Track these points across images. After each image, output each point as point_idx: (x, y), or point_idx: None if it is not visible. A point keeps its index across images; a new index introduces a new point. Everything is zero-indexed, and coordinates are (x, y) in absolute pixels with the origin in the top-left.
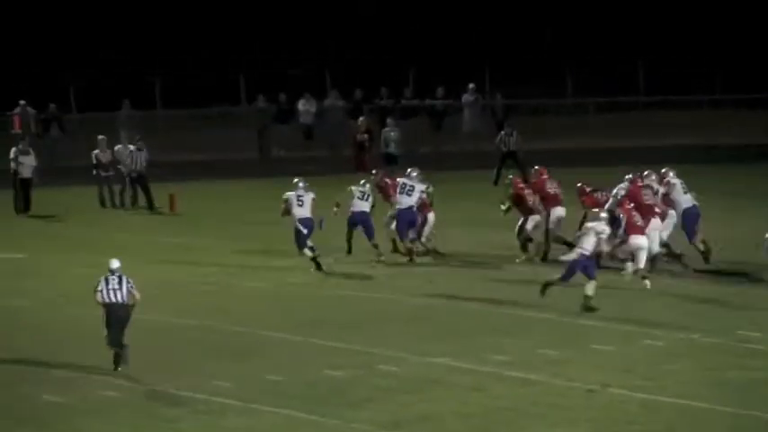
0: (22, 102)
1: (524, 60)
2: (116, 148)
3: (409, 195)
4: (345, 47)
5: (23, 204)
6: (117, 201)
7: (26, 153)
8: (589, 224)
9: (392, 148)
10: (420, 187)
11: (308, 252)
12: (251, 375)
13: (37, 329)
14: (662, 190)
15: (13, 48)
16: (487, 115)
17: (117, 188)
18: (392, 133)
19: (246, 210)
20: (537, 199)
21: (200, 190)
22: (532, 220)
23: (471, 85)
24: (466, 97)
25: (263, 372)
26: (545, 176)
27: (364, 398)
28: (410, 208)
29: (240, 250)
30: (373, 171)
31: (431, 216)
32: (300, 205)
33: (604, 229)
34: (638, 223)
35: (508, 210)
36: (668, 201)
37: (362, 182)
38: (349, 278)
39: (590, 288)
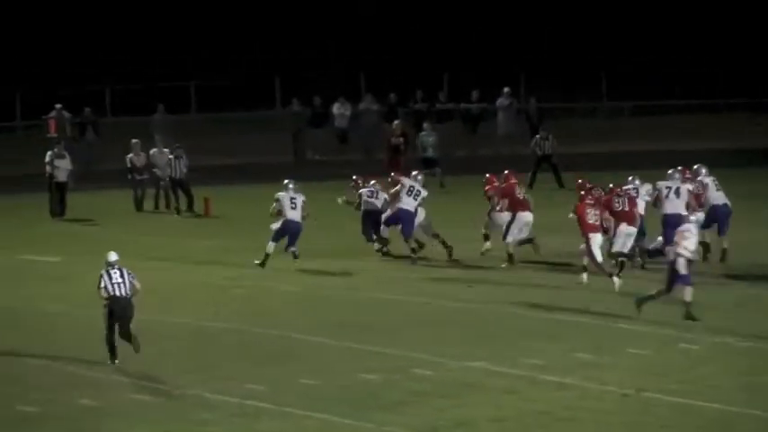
0: (57, 105)
1: (559, 64)
2: (151, 152)
3: (415, 199)
4: (380, 50)
5: (59, 208)
6: (155, 204)
7: (62, 157)
8: (685, 226)
9: (430, 153)
10: (424, 193)
11: (269, 248)
12: (285, 379)
13: (71, 333)
14: (691, 188)
15: (48, 52)
16: (522, 119)
17: (151, 192)
18: (429, 138)
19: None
20: (505, 202)
21: (235, 194)
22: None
23: (506, 89)
24: (501, 101)
25: (297, 375)
26: (514, 181)
27: (399, 402)
28: (412, 209)
29: (274, 253)
30: (353, 177)
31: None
32: (293, 208)
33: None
34: (591, 221)
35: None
36: (699, 200)
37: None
38: (385, 282)
39: (688, 294)
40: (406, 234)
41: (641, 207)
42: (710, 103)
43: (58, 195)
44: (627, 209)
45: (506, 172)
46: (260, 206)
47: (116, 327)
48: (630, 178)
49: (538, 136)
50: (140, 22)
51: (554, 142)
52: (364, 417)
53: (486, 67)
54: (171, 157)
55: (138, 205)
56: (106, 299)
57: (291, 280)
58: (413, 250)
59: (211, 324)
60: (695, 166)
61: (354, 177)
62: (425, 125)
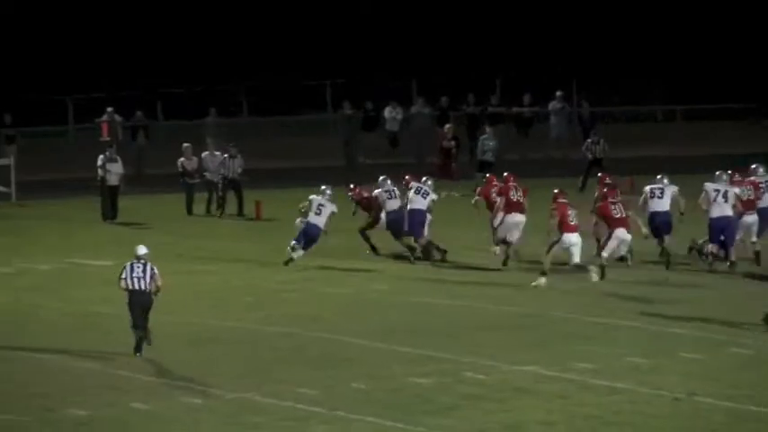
0: (109, 109)
1: (612, 67)
2: (203, 155)
3: (424, 198)
4: (432, 54)
5: (110, 211)
6: (206, 208)
7: (114, 161)
8: None
9: (489, 156)
10: (433, 196)
11: (292, 252)
12: (336, 383)
13: (123, 337)
14: (738, 191)
15: (100, 55)
16: (574, 123)
17: (202, 195)
18: (490, 142)
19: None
20: (501, 201)
21: (286, 197)
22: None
23: (559, 93)
24: (553, 104)
25: (348, 379)
26: (511, 183)
27: (449, 406)
28: (421, 209)
29: (325, 257)
30: (351, 185)
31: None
32: (318, 213)
33: None
34: (572, 222)
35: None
36: (751, 204)
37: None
38: (432, 285)
39: None
40: (417, 234)
41: (665, 204)
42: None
43: (109, 199)
44: (623, 215)
45: (506, 174)
46: None
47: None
48: (659, 177)
49: (589, 140)
50: (193, 26)
51: (605, 146)
52: (414, 421)
53: (538, 71)
54: (225, 156)
55: (189, 209)
56: (125, 290)
57: (341, 283)
58: (410, 248)
59: (263, 328)
60: (753, 166)
61: (352, 186)
62: (487, 129)
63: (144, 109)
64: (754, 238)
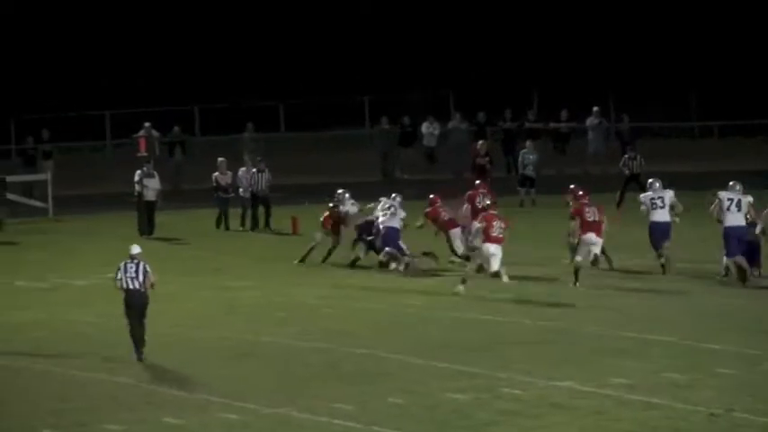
0: (146, 124)
1: (649, 83)
2: (239, 171)
3: (394, 215)
4: (470, 69)
5: (147, 227)
6: (241, 223)
7: (151, 176)
8: None
9: (529, 171)
10: (402, 213)
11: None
12: (372, 398)
13: (160, 352)
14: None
15: (138, 70)
16: (612, 138)
17: (236, 211)
18: (531, 156)
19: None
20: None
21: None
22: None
23: (596, 108)
24: (590, 120)
25: (384, 394)
26: (482, 190)
27: (487, 421)
28: (397, 226)
29: (361, 272)
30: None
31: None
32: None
33: None
34: (494, 233)
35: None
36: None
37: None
38: (469, 300)
39: None
40: (389, 248)
41: (666, 214)
42: None
43: (146, 214)
44: (597, 219)
45: (478, 182)
46: (348, 225)
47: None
48: (650, 181)
49: (626, 155)
50: (231, 41)
51: (642, 162)
52: None
53: (576, 86)
54: (253, 170)
55: (220, 224)
56: (121, 290)
57: (376, 299)
58: (381, 263)
59: (299, 343)
60: (730, 183)
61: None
62: (528, 143)
63: (181, 124)
64: None
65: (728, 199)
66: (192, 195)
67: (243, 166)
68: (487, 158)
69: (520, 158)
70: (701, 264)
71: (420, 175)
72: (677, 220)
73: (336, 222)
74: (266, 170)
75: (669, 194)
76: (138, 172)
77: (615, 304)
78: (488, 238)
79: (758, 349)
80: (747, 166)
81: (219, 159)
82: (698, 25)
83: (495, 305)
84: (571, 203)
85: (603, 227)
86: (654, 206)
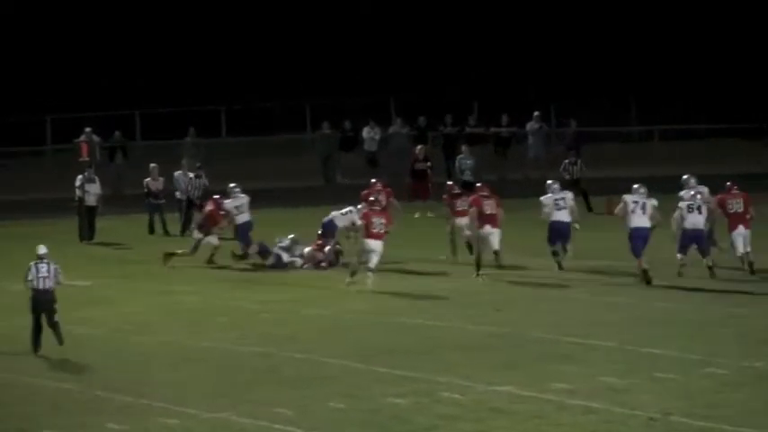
0: (87, 129)
1: (589, 88)
2: (175, 175)
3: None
4: (410, 75)
5: (88, 232)
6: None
7: (92, 181)
8: None
9: (468, 176)
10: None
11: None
12: (313, 403)
13: (101, 357)
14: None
15: (78, 75)
16: (552, 143)
17: (171, 216)
18: (468, 161)
19: (311, 237)
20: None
21: (264, 217)
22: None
23: (536, 113)
24: (531, 125)
25: (325, 399)
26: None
27: (426, 426)
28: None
29: (303, 277)
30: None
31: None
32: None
33: None
34: (374, 230)
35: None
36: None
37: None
38: (413, 305)
39: None
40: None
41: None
42: (740, 127)
43: (87, 219)
44: (494, 212)
45: (373, 180)
46: (290, 230)
47: (42, 318)
48: (549, 182)
49: (567, 160)
50: (170, 46)
51: (582, 166)
52: None
53: (516, 92)
54: (191, 175)
55: (153, 230)
56: (31, 290)
57: (318, 304)
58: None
59: (240, 348)
60: (684, 177)
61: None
62: (464, 148)
63: (122, 129)
64: (745, 249)
65: (633, 202)
66: (133, 200)
67: (179, 170)
68: (428, 164)
69: (456, 164)
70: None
71: (361, 179)
72: (576, 226)
73: (214, 217)
74: (203, 176)
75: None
76: (80, 177)
77: (557, 309)
78: (369, 235)
79: (698, 354)
80: (688, 171)
81: (152, 165)
82: (638, 30)
83: (438, 311)
84: (445, 201)
85: (499, 218)
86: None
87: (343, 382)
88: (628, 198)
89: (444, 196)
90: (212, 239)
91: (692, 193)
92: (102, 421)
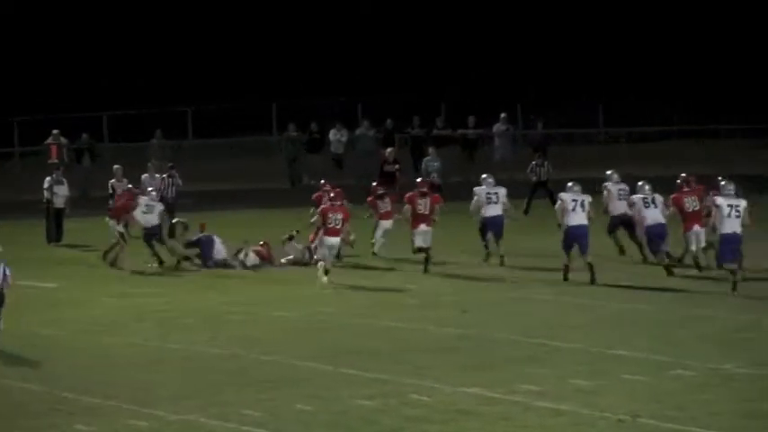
0: (55, 131)
1: (557, 90)
2: (142, 177)
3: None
4: (377, 76)
5: (56, 234)
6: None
7: (60, 183)
8: None
9: (434, 178)
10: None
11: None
12: (281, 405)
13: (69, 358)
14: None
15: (46, 78)
16: (519, 144)
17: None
18: (434, 163)
19: (278, 239)
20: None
21: (231, 219)
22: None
23: (503, 115)
24: (497, 126)
25: (293, 401)
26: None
27: (394, 428)
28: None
29: (271, 279)
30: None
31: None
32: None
33: None
34: (330, 225)
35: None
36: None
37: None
38: (379, 308)
39: None
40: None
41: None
42: (703, 129)
43: (54, 221)
44: (427, 211)
45: (322, 181)
46: (256, 232)
47: None
48: (484, 176)
49: (534, 162)
50: (137, 48)
51: (549, 168)
52: None
53: (483, 94)
54: (164, 176)
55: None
56: None
57: (287, 306)
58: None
59: (208, 349)
60: (639, 183)
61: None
62: (430, 150)
63: (89, 131)
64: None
65: (572, 200)
66: (101, 202)
67: (146, 172)
68: (396, 166)
69: (423, 166)
70: (607, 271)
71: (328, 181)
72: (511, 217)
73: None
74: (176, 176)
75: (502, 192)
76: (48, 179)
77: (523, 311)
78: (326, 231)
79: (665, 355)
80: (654, 172)
81: (115, 167)
82: (605, 32)
83: (405, 313)
84: (369, 203)
85: (434, 217)
86: (489, 201)
87: (311, 383)
88: (566, 197)
89: (369, 198)
90: (119, 228)
91: (647, 188)
92: (71, 423)
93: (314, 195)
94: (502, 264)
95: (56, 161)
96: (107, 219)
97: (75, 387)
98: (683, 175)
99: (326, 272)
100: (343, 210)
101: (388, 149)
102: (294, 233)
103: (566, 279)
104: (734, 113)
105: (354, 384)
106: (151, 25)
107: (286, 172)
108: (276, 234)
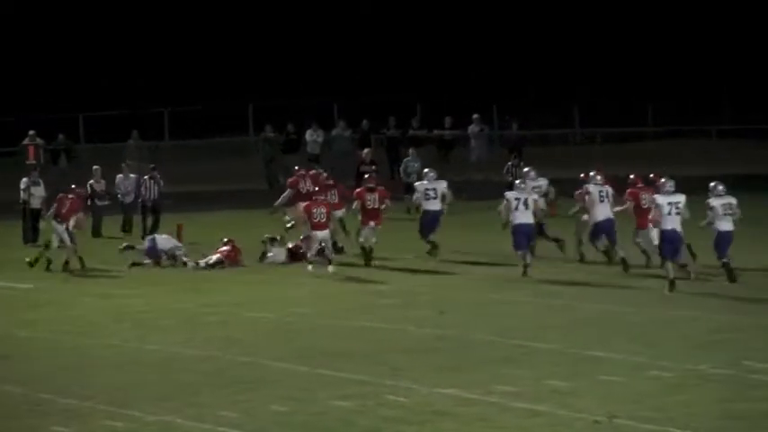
0: (31, 132)
1: (533, 91)
2: (117, 177)
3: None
4: (353, 77)
5: (32, 234)
6: (121, 228)
7: (37, 184)
8: None
9: (414, 179)
10: None
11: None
12: (257, 406)
13: (46, 359)
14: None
15: (21, 78)
16: (495, 145)
17: (113, 218)
18: (414, 164)
19: (254, 240)
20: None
21: (208, 220)
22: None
23: (476, 116)
24: (472, 128)
25: (269, 402)
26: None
27: (371, 429)
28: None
29: (247, 281)
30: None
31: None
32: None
33: None
34: (316, 220)
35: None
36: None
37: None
38: (355, 308)
39: None
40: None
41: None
42: (679, 129)
43: (31, 222)
44: (376, 207)
45: (296, 167)
46: (233, 232)
47: None
48: (426, 170)
49: (510, 162)
50: (113, 49)
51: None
52: None
53: (460, 94)
54: (146, 177)
55: (96, 231)
56: None
57: (263, 307)
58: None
59: (184, 350)
60: (591, 173)
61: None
62: (411, 151)
63: (66, 132)
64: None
65: (516, 198)
66: None
67: (121, 173)
68: (373, 167)
69: (403, 166)
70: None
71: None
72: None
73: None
74: (158, 178)
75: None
76: (25, 180)
77: (500, 311)
78: (314, 226)
79: (643, 356)
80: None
81: (94, 167)
82: (580, 32)
83: (382, 313)
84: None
85: (382, 208)
86: (427, 197)
87: (288, 384)
88: (510, 195)
89: (357, 191)
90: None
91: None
92: (48, 424)
93: (289, 180)
94: (430, 253)
95: (33, 162)
96: (53, 221)
97: (52, 388)
98: (632, 176)
99: (330, 261)
100: (325, 204)
101: (365, 150)
102: (278, 237)
103: (525, 275)
104: (709, 114)
105: (331, 385)
106: (128, 27)
107: (263, 173)
108: (254, 235)
